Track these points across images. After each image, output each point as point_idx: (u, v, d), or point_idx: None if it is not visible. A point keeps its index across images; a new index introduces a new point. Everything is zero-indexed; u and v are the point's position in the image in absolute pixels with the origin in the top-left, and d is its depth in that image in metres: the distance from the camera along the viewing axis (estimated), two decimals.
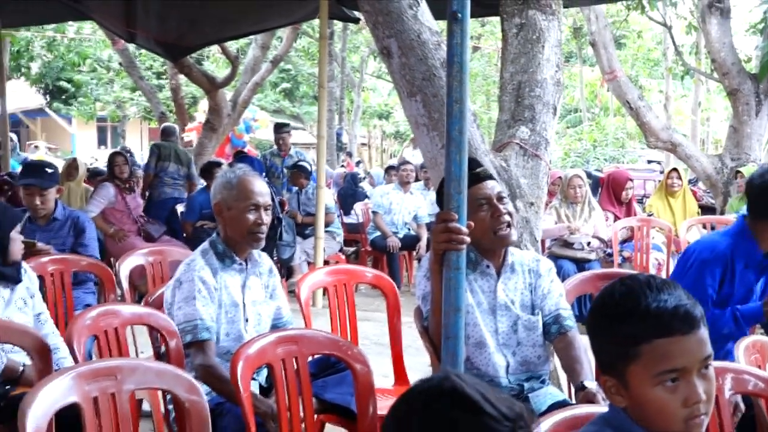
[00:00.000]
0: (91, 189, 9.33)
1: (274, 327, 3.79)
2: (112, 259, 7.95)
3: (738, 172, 9.04)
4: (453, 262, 2.66)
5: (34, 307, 3.99)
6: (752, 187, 3.88)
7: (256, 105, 21.33)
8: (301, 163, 10.06)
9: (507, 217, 3.27)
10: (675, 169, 9.23)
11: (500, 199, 3.29)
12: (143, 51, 19.10)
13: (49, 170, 5.71)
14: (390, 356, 4.37)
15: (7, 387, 3.69)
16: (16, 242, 3.93)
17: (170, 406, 3.47)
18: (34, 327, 3.81)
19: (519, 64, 4.64)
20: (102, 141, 40.46)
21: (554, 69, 4.65)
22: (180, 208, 10.30)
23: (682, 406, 1.77)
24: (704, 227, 8.51)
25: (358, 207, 11.49)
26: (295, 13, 10.04)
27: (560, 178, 8.40)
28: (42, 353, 3.34)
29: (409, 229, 9.98)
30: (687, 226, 8.26)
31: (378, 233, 9.84)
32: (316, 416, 3.33)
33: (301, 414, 3.06)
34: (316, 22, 12.17)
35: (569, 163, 21.95)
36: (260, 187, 3.65)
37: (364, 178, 16.12)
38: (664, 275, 7.60)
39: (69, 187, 9.10)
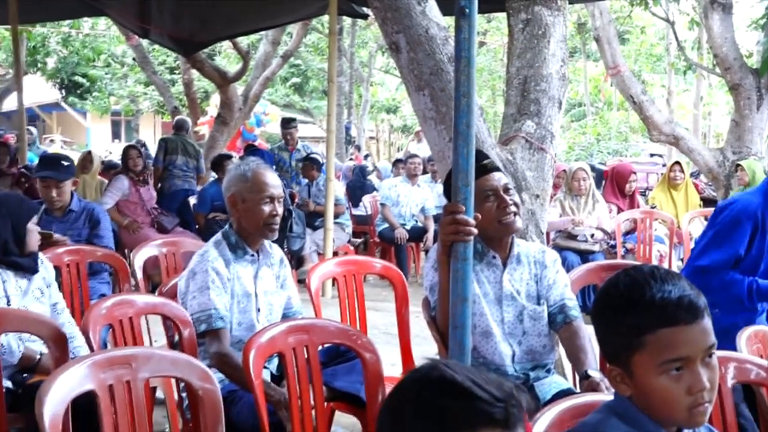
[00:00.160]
0: (106, 181, 9.34)
1: (285, 316, 3.80)
2: (126, 250, 7.96)
3: (738, 165, 9.01)
4: (460, 253, 2.65)
5: (50, 296, 4.00)
6: None
7: (266, 99, 21.32)
8: (312, 155, 10.08)
9: (513, 208, 3.27)
10: (677, 163, 9.21)
11: (506, 190, 3.29)
12: (156, 46, 19.14)
13: (65, 163, 5.71)
14: (397, 345, 4.37)
15: (25, 375, 3.71)
16: (33, 233, 3.94)
17: (183, 394, 3.48)
18: (51, 316, 3.83)
19: (525, 59, 4.62)
20: (116, 134, 40.52)
21: (559, 64, 4.64)
22: (192, 200, 10.33)
23: (687, 394, 1.77)
24: (706, 219, 8.47)
25: (366, 199, 11.49)
26: (305, 10, 10.04)
27: (565, 171, 8.39)
28: (59, 342, 3.35)
29: (416, 221, 9.98)
30: (689, 219, 8.25)
31: (386, 225, 9.84)
32: (326, 404, 3.33)
33: (312, 402, 3.06)
34: (325, 18, 12.15)
35: (573, 156, 21.91)
36: (273, 180, 3.67)
37: (373, 171, 16.11)
38: (666, 266, 7.59)
39: (84, 180, 9.11)
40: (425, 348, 5.10)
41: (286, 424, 3.01)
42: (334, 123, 8.82)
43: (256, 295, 3.64)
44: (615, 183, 8.71)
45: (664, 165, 15.48)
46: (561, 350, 3.55)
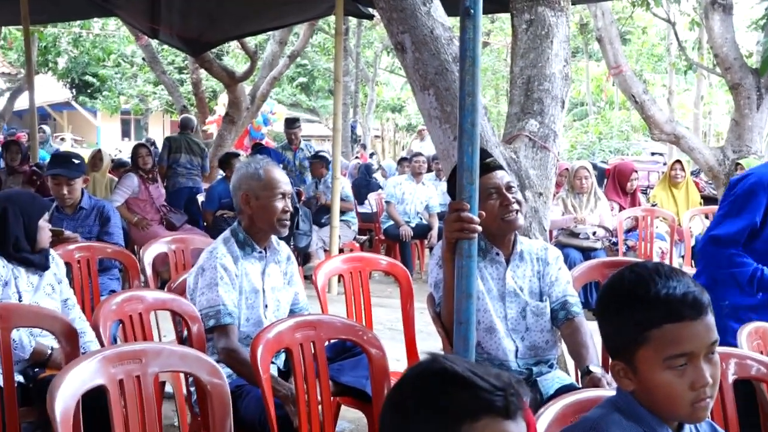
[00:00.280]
0: (116, 179, 9.35)
1: (292, 312, 3.81)
2: (135, 247, 7.97)
3: (738, 164, 8.99)
4: (465, 250, 2.65)
5: (61, 292, 4.01)
6: None
7: (273, 98, 21.34)
8: (321, 153, 10.10)
9: (515, 206, 3.27)
10: (678, 161, 9.20)
11: (509, 188, 3.29)
12: (165, 47, 19.14)
13: (76, 161, 5.72)
14: (402, 341, 4.37)
15: (36, 370, 3.71)
16: (45, 230, 3.95)
17: (192, 388, 3.48)
18: (62, 312, 3.83)
19: (528, 58, 4.61)
20: (126, 133, 40.58)
21: (562, 64, 4.63)
22: (200, 198, 10.34)
23: (689, 390, 1.77)
24: (706, 217, 8.48)
25: (371, 197, 11.49)
26: (311, 10, 10.03)
27: (567, 169, 8.38)
28: (70, 337, 3.36)
29: (421, 219, 9.99)
30: (690, 216, 8.25)
31: (391, 222, 9.86)
32: (332, 398, 3.33)
33: (318, 396, 3.06)
34: (331, 18, 12.16)
35: (576, 155, 21.90)
36: (283, 176, 3.70)
37: (378, 170, 16.11)
38: (667, 263, 7.58)
39: (94, 178, 9.11)
40: (430, 343, 5.11)
41: (293, 418, 3.01)
42: (340, 122, 8.82)
43: (264, 292, 3.64)
44: (617, 181, 8.70)
45: (665, 163, 15.45)
46: (563, 346, 3.55)
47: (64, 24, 22.68)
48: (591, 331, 3.35)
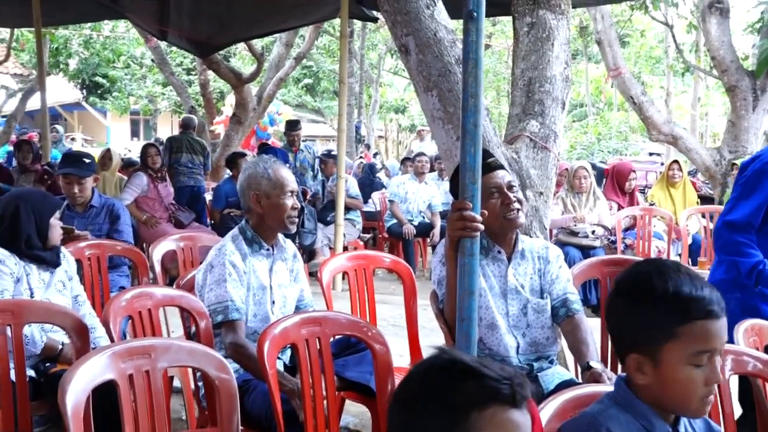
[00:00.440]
0: (125, 178, 9.36)
1: (297, 309, 3.81)
2: (144, 244, 7.97)
3: (734, 164, 8.98)
4: (467, 248, 2.64)
5: (72, 289, 4.01)
6: None
7: (279, 99, 21.33)
8: (334, 153, 10.14)
9: (516, 205, 3.27)
10: (676, 161, 9.18)
11: (510, 187, 3.28)
12: (174, 48, 19.12)
13: (87, 160, 5.72)
14: (405, 337, 4.37)
15: (47, 364, 3.72)
16: (56, 228, 3.95)
17: (200, 383, 3.48)
18: (72, 308, 3.84)
19: (530, 61, 4.60)
20: (135, 133, 40.59)
21: (563, 66, 4.62)
22: (208, 196, 10.35)
23: (704, 385, 1.81)
24: (703, 216, 8.47)
25: (375, 196, 11.50)
26: (317, 13, 10.03)
27: (567, 169, 8.37)
28: (80, 333, 3.37)
29: (423, 217, 9.99)
30: (687, 215, 8.23)
31: (394, 221, 9.86)
32: (336, 393, 3.33)
33: (324, 391, 3.06)
34: (336, 21, 12.16)
35: (575, 155, 21.90)
36: (290, 175, 3.72)
37: (381, 169, 16.11)
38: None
39: (104, 176, 9.12)
40: (432, 339, 5.09)
41: (299, 412, 3.00)
42: (345, 122, 8.81)
43: (271, 288, 3.64)
44: (615, 181, 8.69)
45: (662, 164, 15.45)
46: (563, 342, 3.54)
47: (75, 26, 22.67)
48: (591, 327, 3.36)
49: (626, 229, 8.08)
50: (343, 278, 6.69)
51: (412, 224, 9.67)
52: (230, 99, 16.89)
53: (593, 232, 7.59)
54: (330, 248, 8.98)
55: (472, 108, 2.55)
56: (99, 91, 31.55)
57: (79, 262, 4.45)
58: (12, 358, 3.27)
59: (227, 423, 2.66)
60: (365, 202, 11.49)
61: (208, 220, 9.88)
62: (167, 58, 16.17)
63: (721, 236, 3.82)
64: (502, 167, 3.38)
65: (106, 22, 22.01)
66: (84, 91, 31.70)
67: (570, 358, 3.68)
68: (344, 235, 8.82)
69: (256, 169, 3.66)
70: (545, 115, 4.53)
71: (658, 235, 8.14)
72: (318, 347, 3.07)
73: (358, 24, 21.13)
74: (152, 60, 19.88)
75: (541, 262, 3.43)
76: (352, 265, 4.41)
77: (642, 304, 1.85)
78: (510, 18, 4.93)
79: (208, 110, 15.93)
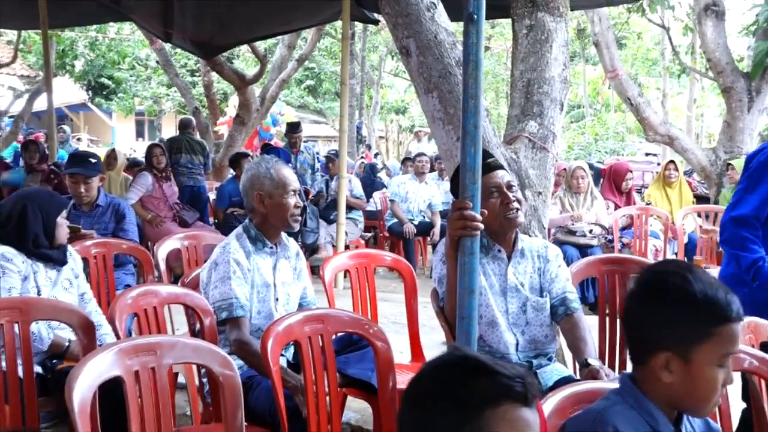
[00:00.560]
0: (130, 178, 9.36)
1: (300, 306, 3.81)
2: (149, 243, 7.97)
3: (730, 164, 8.98)
4: (467, 247, 2.64)
5: (78, 287, 4.02)
6: None
7: (282, 100, 21.30)
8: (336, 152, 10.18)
9: (516, 204, 3.27)
10: (672, 161, 9.18)
11: (509, 187, 3.28)
12: (178, 50, 19.13)
13: (93, 160, 5.72)
14: (406, 334, 4.37)
15: (54, 361, 3.72)
16: (63, 227, 3.95)
17: (204, 380, 3.48)
18: (79, 305, 3.84)
19: (528, 62, 4.60)
20: (140, 133, 40.55)
21: (561, 67, 4.62)
22: (211, 195, 10.34)
23: (722, 386, 1.85)
24: (699, 215, 8.48)
25: (376, 195, 11.50)
26: (319, 15, 10.02)
27: (565, 169, 8.38)
28: (87, 330, 3.37)
29: (423, 217, 9.99)
30: (683, 215, 8.24)
31: (395, 220, 9.86)
32: (338, 390, 3.33)
33: (326, 388, 3.06)
34: (338, 23, 12.13)
35: (573, 155, 21.87)
36: (292, 174, 3.73)
37: (382, 169, 16.10)
38: (661, 260, 7.58)
39: (109, 176, 9.13)
40: (433, 337, 5.11)
41: (302, 408, 3.01)
42: (346, 123, 8.82)
43: (275, 286, 3.64)
44: (612, 181, 8.69)
45: (659, 164, 15.41)
46: (561, 339, 3.54)
47: (81, 28, 22.65)
48: (589, 325, 3.36)
49: (623, 228, 8.08)
50: (345, 276, 6.70)
51: (412, 223, 9.67)
52: (234, 100, 16.89)
53: (591, 231, 7.59)
54: (333, 246, 8.99)
55: (473, 109, 2.55)
56: (104, 92, 31.55)
57: (85, 260, 4.46)
58: (20, 354, 3.27)
59: (231, 419, 2.66)
60: (366, 201, 11.50)
61: (211, 220, 9.87)
62: (171, 59, 16.17)
63: (727, 230, 3.82)
64: (501, 167, 3.38)
65: (111, 24, 21.99)
66: (90, 92, 31.70)
67: (568, 355, 3.68)
68: (347, 233, 8.83)
69: (258, 169, 3.66)
70: (544, 116, 4.53)
71: (654, 234, 8.14)
72: (321, 344, 3.07)
73: (359, 26, 21.11)
74: (157, 62, 19.84)
75: (540, 261, 3.43)
76: (353, 263, 4.41)
77: (679, 304, 1.85)
78: (509, 20, 4.93)
79: (211, 111, 15.92)
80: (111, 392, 2.49)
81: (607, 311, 3.97)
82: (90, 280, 4.48)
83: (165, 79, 26.53)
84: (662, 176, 9.01)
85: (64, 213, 4.00)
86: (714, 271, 4.66)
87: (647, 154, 20.81)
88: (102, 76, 30.04)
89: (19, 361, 3.28)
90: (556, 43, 4.60)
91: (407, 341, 4.35)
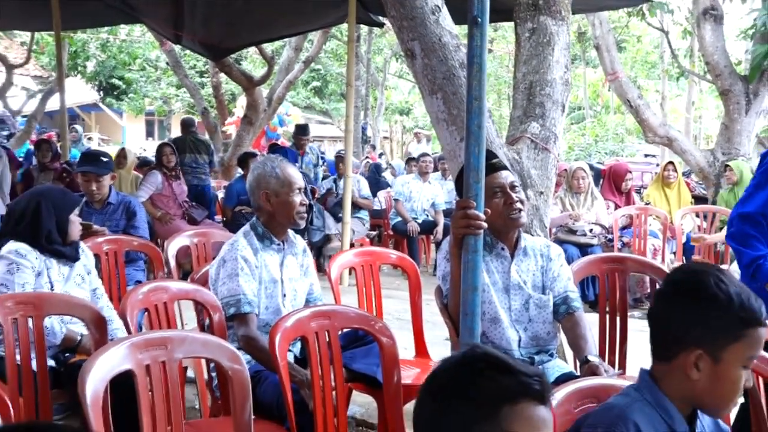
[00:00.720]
0: (140, 176, 9.37)
1: (307, 302, 3.81)
2: (159, 240, 7.98)
3: (727, 165, 8.97)
4: (471, 245, 2.65)
5: (90, 282, 4.02)
6: None
7: (289, 101, 21.29)
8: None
9: (519, 204, 3.27)
10: (671, 162, 9.17)
11: (513, 187, 3.28)
12: (188, 52, 19.13)
13: (104, 159, 5.73)
14: (410, 330, 4.37)
15: (67, 355, 3.73)
16: (75, 224, 3.96)
17: (213, 374, 3.49)
18: (91, 301, 3.84)
19: (531, 65, 4.60)
20: (150, 133, 40.57)
21: (563, 70, 4.61)
22: (220, 194, 10.34)
23: (743, 388, 1.86)
24: (697, 216, 8.47)
25: (381, 195, 11.50)
26: (325, 18, 10.02)
27: (566, 170, 8.37)
28: (99, 324, 3.37)
29: (427, 215, 9.99)
30: (681, 215, 8.24)
31: (399, 219, 9.87)
32: (344, 384, 3.33)
33: (333, 382, 3.06)
34: (344, 26, 12.13)
35: (573, 156, 21.87)
36: (297, 173, 3.73)
37: (386, 169, 16.10)
38: (660, 260, 7.58)
39: (119, 174, 9.13)
40: (436, 333, 5.10)
41: (309, 402, 3.01)
42: (352, 123, 8.82)
43: (282, 282, 3.65)
44: (612, 181, 8.68)
45: (658, 165, 15.40)
46: (561, 336, 3.54)
47: (93, 30, 22.69)
48: (589, 324, 3.36)
49: (623, 228, 8.07)
50: (350, 273, 6.69)
51: (416, 222, 9.68)
52: (241, 101, 16.89)
53: (591, 230, 7.59)
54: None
55: (476, 110, 2.56)
56: (115, 93, 31.57)
57: (97, 256, 4.47)
58: (33, 348, 3.28)
59: (240, 412, 2.66)
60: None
61: (218, 218, 9.88)
62: (181, 61, 16.16)
63: (734, 225, 3.81)
64: (505, 168, 3.38)
65: (122, 26, 22.00)
66: (101, 92, 31.73)
67: (568, 352, 3.68)
68: (354, 231, 8.84)
69: (264, 168, 3.67)
70: (546, 118, 4.53)
71: (653, 233, 8.13)
72: (327, 340, 3.07)
73: (364, 29, 21.12)
74: (167, 63, 19.85)
75: (543, 260, 3.43)
76: (359, 260, 4.42)
77: (714, 304, 1.85)
78: (511, 24, 4.93)
79: (220, 111, 15.93)
80: (122, 385, 2.49)
81: (607, 309, 3.97)
82: (102, 275, 4.49)
83: (174, 80, 26.53)
84: (661, 177, 9.00)
85: (76, 210, 4.01)
86: None
87: (646, 155, 20.82)
88: (113, 76, 30.06)
89: (33, 355, 3.29)
90: (558, 46, 4.60)
91: (411, 337, 4.35)
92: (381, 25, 10.40)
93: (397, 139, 41.12)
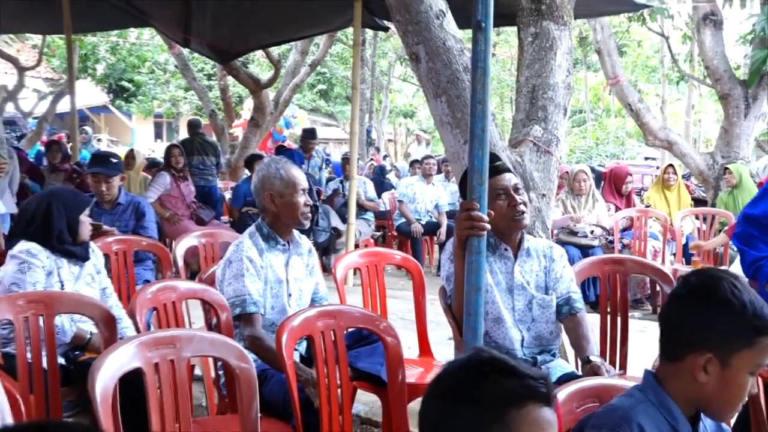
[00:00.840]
0: (149, 177, 9.38)
1: (312, 301, 3.81)
2: (167, 240, 7.98)
3: (727, 168, 8.96)
4: (474, 246, 2.65)
5: (100, 282, 4.03)
6: None
7: (295, 104, 21.31)
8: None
9: (522, 207, 3.26)
10: (671, 165, 9.17)
11: (516, 190, 3.28)
12: (196, 55, 19.12)
13: (114, 160, 5.74)
14: (414, 330, 4.37)
15: (76, 353, 3.74)
16: (85, 224, 3.97)
17: (220, 372, 3.49)
18: (100, 300, 3.85)
19: (533, 69, 4.59)
20: (158, 135, 40.58)
21: (565, 74, 4.61)
22: (227, 195, 10.34)
23: (747, 394, 1.86)
24: (696, 218, 8.45)
25: (385, 196, 11.50)
26: (331, 23, 10.03)
27: (567, 172, 8.36)
28: (108, 323, 3.38)
29: (431, 217, 9.98)
30: (681, 217, 8.23)
31: (403, 220, 9.86)
32: (349, 382, 3.33)
33: (338, 380, 3.06)
34: (349, 30, 12.15)
35: (574, 159, 21.85)
36: (301, 174, 3.73)
37: (391, 171, 16.10)
38: (660, 261, 7.57)
39: (128, 176, 9.14)
40: (439, 332, 5.10)
41: (314, 400, 3.01)
42: (357, 126, 8.83)
43: (288, 282, 3.65)
44: (613, 184, 8.67)
45: (658, 167, 15.39)
46: (563, 336, 3.54)
47: (103, 33, 22.70)
48: (591, 324, 3.36)
49: (623, 230, 8.06)
50: (355, 274, 6.69)
51: (420, 223, 9.68)
52: (248, 103, 16.89)
53: (592, 232, 7.58)
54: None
55: (480, 113, 2.55)
56: (125, 95, 31.58)
57: (106, 256, 4.47)
58: (44, 346, 3.28)
59: (247, 409, 2.67)
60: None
61: (224, 218, 9.88)
62: (189, 64, 16.16)
63: (740, 225, 3.82)
64: (509, 170, 3.37)
65: (132, 29, 22.02)
66: (110, 94, 31.73)
67: (570, 351, 3.67)
68: (360, 232, 8.85)
69: (268, 170, 3.67)
70: (548, 121, 4.52)
71: (653, 235, 8.12)
72: (333, 339, 3.07)
73: (369, 33, 21.08)
74: (175, 66, 19.86)
75: (546, 260, 3.42)
76: (364, 261, 4.41)
77: (728, 310, 1.84)
78: (514, 28, 4.92)
79: (227, 114, 15.94)
80: (131, 383, 2.49)
81: (608, 309, 3.96)
82: (111, 275, 4.50)
83: (183, 83, 26.54)
84: (661, 179, 8.99)
85: (86, 211, 4.01)
86: None
87: (647, 158, 20.82)
88: (122, 79, 30.06)
89: (44, 353, 3.29)
90: (560, 51, 4.59)
91: (415, 337, 4.35)
92: (386, 29, 10.41)
93: (401, 142, 41.10)
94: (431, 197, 9.97)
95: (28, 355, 3.24)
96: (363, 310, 3.44)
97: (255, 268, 3.52)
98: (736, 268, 6.67)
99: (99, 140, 26.28)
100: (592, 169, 9.39)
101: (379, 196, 11.42)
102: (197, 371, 4.09)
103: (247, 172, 9.73)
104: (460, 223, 2.70)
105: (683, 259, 8.15)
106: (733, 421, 2.93)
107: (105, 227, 5.20)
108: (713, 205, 9.25)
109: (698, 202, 10.32)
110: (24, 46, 22.60)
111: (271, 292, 3.57)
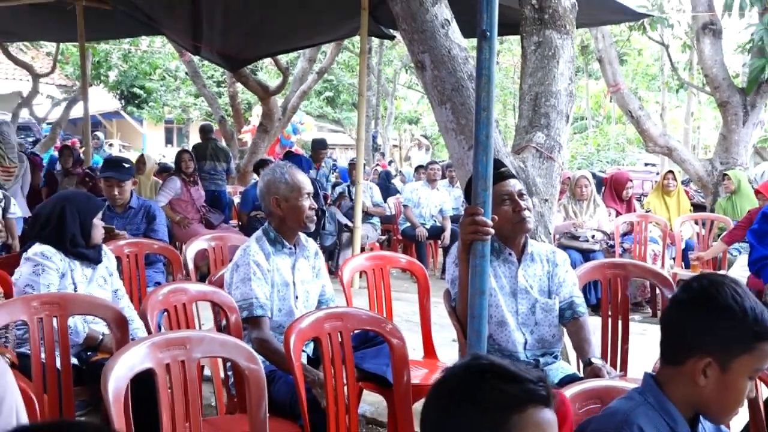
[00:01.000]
0: (160, 181, 9.38)
1: (319, 304, 3.81)
2: (177, 243, 7.99)
3: (726, 174, 8.95)
4: (479, 250, 2.64)
5: (112, 284, 4.03)
6: None
7: (302, 110, 21.33)
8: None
9: (526, 212, 3.26)
10: (671, 171, 9.15)
11: (520, 195, 3.28)
12: (206, 62, 19.17)
13: (126, 165, 5.75)
14: (418, 332, 4.36)
15: (89, 353, 3.74)
16: (98, 228, 3.97)
17: (229, 372, 3.49)
18: (112, 301, 3.85)
19: (536, 77, 4.59)
20: (169, 140, 40.66)
21: (567, 82, 4.61)
22: (236, 199, 10.36)
23: (746, 399, 1.86)
24: (696, 223, 8.44)
25: (390, 201, 11.50)
26: (338, 31, 10.04)
27: (569, 178, 8.35)
28: (120, 324, 3.38)
29: (435, 221, 9.98)
30: (680, 222, 8.22)
31: (408, 224, 9.86)
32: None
33: (345, 381, 3.06)
34: (356, 38, 12.15)
35: (576, 165, 21.84)
36: (306, 178, 3.73)
37: (396, 176, 16.11)
38: (659, 265, 7.55)
39: (139, 180, 9.15)
40: (443, 334, 5.09)
41: (321, 400, 3.01)
42: (363, 132, 8.82)
43: (294, 284, 3.65)
44: (613, 189, 8.65)
45: (658, 173, 15.36)
46: (565, 339, 3.53)
47: (115, 41, 22.78)
48: (593, 327, 3.36)
49: (624, 234, 8.05)
50: (361, 276, 6.68)
51: (424, 227, 9.67)
52: (257, 110, 16.93)
53: (593, 236, 7.56)
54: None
55: (485, 120, 2.55)
56: (136, 101, 31.67)
57: (118, 258, 4.47)
58: (57, 347, 3.29)
59: (256, 410, 2.67)
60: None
61: (232, 222, 9.88)
62: (200, 71, 16.20)
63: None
64: (513, 176, 3.37)
65: (143, 37, 22.09)
66: (122, 101, 31.82)
67: (571, 353, 3.67)
68: (367, 236, 8.85)
69: (274, 175, 3.67)
70: (550, 128, 4.52)
71: (653, 240, 8.10)
72: (340, 340, 3.07)
73: (375, 41, 21.13)
74: (186, 73, 19.92)
75: (549, 265, 3.42)
76: (370, 264, 4.41)
77: (729, 315, 1.83)
78: (517, 37, 4.93)
79: (236, 120, 15.97)
80: (143, 383, 2.49)
81: (609, 312, 3.96)
82: (123, 277, 4.50)
83: (193, 90, 26.62)
84: (661, 185, 8.97)
85: (99, 215, 4.02)
86: None
87: (647, 164, 20.79)
88: (134, 86, 30.15)
89: (57, 353, 3.29)
90: (563, 59, 4.59)
91: (420, 338, 4.34)
92: (392, 37, 10.41)
93: (406, 148, 41.13)
94: (435, 202, 9.97)
95: (42, 356, 3.24)
96: (369, 312, 3.44)
97: (262, 272, 3.52)
98: (734, 272, 6.67)
99: (111, 145, 26.34)
100: (594, 175, 9.39)
101: (385, 201, 11.43)
102: (206, 372, 4.09)
103: (255, 177, 9.76)
104: (464, 228, 2.70)
105: (682, 263, 8.13)
106: (741, 427, 2.93)
107: (117, 230, 5.21)
108: (712, 211, 9.24)
109: (697, 207, 10.31)
110: (39, 54, 22.63)
111: (278, 295, 3.57)
